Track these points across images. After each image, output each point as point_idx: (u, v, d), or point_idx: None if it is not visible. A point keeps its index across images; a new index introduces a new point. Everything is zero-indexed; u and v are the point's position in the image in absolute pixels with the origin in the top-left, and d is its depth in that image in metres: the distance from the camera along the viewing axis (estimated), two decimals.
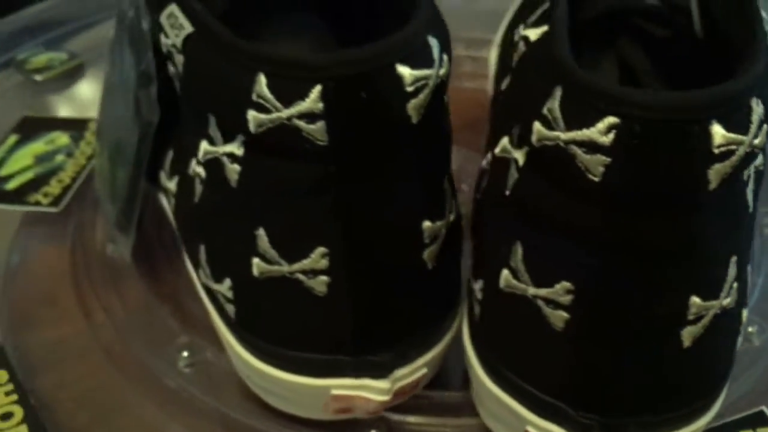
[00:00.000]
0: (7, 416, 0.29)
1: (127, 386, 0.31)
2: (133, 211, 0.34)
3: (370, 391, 0.26)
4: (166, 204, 0.33)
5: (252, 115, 0.23)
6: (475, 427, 0.30)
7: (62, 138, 0.43)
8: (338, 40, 0.32)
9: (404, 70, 0.22)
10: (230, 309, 0.27)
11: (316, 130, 0.22)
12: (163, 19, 0.26)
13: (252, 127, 0.23)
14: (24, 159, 0.41)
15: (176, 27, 0.25)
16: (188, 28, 0.25)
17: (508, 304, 0.25)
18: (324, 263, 0.24)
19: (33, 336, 0.33)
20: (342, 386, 0.26)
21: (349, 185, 0.23)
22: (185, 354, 0.32)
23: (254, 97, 0.23)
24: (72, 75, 0.48)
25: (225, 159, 0.25)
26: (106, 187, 0.36)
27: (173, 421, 0.29)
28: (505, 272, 0.24)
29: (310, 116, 0.22)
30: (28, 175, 0.40)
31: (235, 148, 0.24)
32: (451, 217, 0.26)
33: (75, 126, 0.44)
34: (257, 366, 0.27)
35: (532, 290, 0.24)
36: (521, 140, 0.24)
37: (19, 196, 0.39)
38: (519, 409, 0.26)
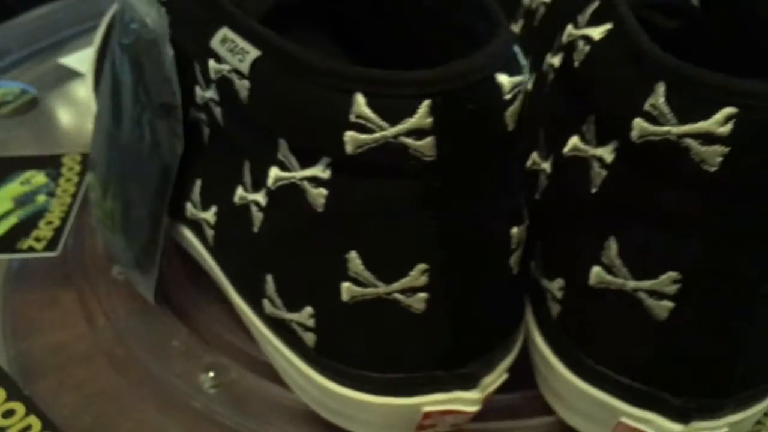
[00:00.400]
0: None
1: (152, 410, 0.30)
2: (156, 248, 0.32)
3: (463, 403, 0.26)
4: (190, 235, 0.32)
5: (350, 136, 0.22)
6: (538, 428, 0.30)
7: (38, 177, 0.40)
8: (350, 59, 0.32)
9: (503, 79, 0.22)
10: (309, 337, 0.26)
11: (425, 145, 0.22)
12: (216, 44, 0.25)
13: (349, 148, 0.22)
14: (2, 203, 0.39)
15: (237, 52, 0.24)
16: (254, 51, 0.24)
17: (600, 300, 0.25)
18: (423, 280, 0.24)
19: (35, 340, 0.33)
20: (435, 402, 0.26)
21: (452, 198, 0.23)
22: (211, 374, 0.31)
23: (352, 118, 0.22)
24: (27, 109, 0.46)
25: (306, 184, 0.24)
26: (116, 227, 0.34)
27: None
28: (597, 269, 0.25)
29: (418, 132, 0.22)
30: (12, 220, 0.38)
31: (319, 171, 0.24)
32: (527, 221, 0.26)
33: (49, 163, 0.41)
34: (340, 392, 0.26)
35: (632, 284, 0.24)
36: (604, 137, 0.24)
37: (9, 243, 0.37)
38: (612, 401, 0.26)
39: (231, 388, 0.31)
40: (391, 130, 0.22)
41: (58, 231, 0.37)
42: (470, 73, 0.21)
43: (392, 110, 0.22)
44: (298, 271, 0.26)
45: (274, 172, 0.25)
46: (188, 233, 0.32)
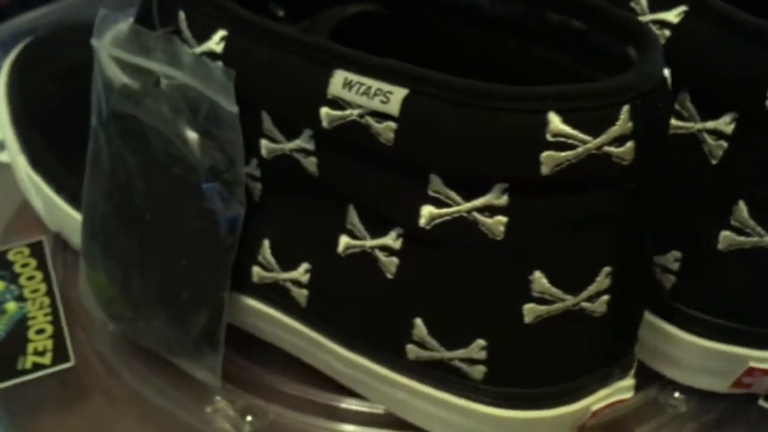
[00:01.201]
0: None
1: None
2: (220, 325, 0.29)
3: (622, 392, 0.27)
4: (258, 304, 0.29)
5: (547, 156, 0.22)
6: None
7: None
8: None
9: (667, 73, 0.23)
10: (478, 370, 0.25)
11: (625, 151, 0.22)
12: (336, 90, 0.23)
13: (545, 169, 0.22)
14: None
15: (376, 93, 0.23)
16: (400, 90, 0.22)
17: (728, 261, 0.27)
18: (607, 282, 0.24)
19: None
20: (601, 398, 0.26)
21: (637, 197, 0.23)
22: (249, 419, 0.30)
23: (549, 138, 0.21)
24: None
25: (477, 215, 0.23)
26: (152, 318, 0.30)
27: None
28: (726, 233, 0.26)
29: (620, 139, 0.22)
30: None
31: (494, 199, 0.23)
32: None
33: None
34: (513, 416, 0.26)
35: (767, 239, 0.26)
36: (713, 111, 0.25)
37: (5, 367, 0.31)
38: (742, 351, 0.28)
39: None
40: (595, 142, 0.22)
41: (58, 338, 0.32)
42: (655, 72, 0.22)
43: (592, 123, 0.21)
44: (464, 307, 0.25)
45: (427, 210, 0.24)
46: (253, 302, 0.29)
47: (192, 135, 0.28)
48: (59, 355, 0.31)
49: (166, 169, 0.28)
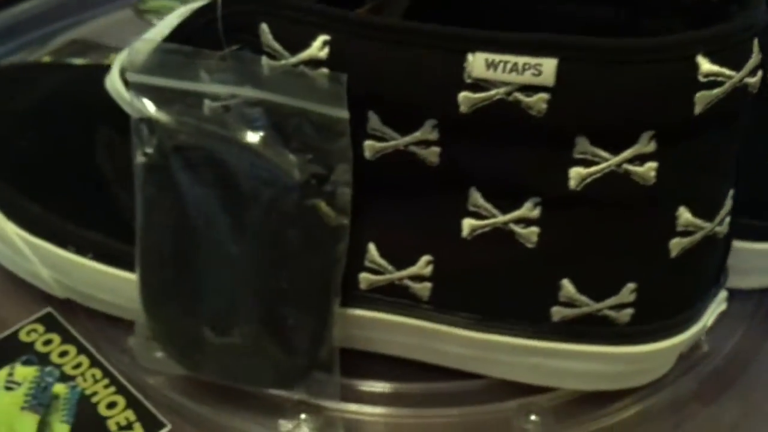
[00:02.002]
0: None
1: None
2: (332, 341, 0.28)
3: (721, 303, 0.29)
4: (365, 312, 0.28)
5: (700, 96, 0.23)
6: None
7: (18, 372, 0.30)
8: None
9: None
10: (626, 314, 0.27)
11: (757, 81, 0.24)
12: (480, 72, 0.23)
13: (698, 109, 0.23)
14: (18, 425, 0.28)
15: (525, 68, 0.23)
16: (551, 61, 0.23)
17: None
18: (730, 202, 0.26)
19: None
20: (711, 313, 0.29)
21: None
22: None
23: (701, 79, 0.23)
24: None
25: (629, 166, 0.24)
26: (258, 346, 0.28)
27: None
28: None
29: (754, 70, 0.24)
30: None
31: (643, 147, 0.24)
32: None
33: (9, 352, 0.31)
34: (657, 348, 0.28)
35: None
36: None
37: None
38: None
39: None
40: (738, 75, 0.23)
41: (136, 405, 0.29)
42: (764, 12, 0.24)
43: (735, 58, 0.23)
44: (613, 257, 0.26)
45: (576, 172, 0.24)
46: (362, 312, 0.28)
47: (284, 153, 0.26)
48: (150, 423, 0.28)
49: (255, 195, 0.26)
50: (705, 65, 0.23)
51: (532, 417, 0.29)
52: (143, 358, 0.30)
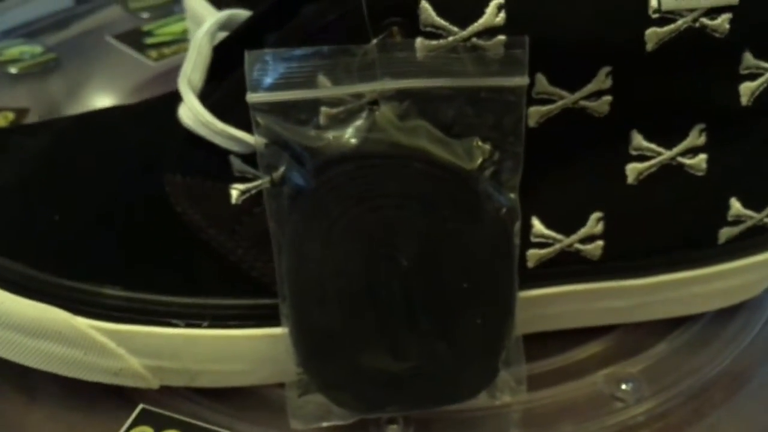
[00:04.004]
0: None
1: None
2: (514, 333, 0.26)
3: None
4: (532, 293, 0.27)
5: None
6: None
7: None
8: None
9: None
10: None
11: None
12: (668, 4, 0.22)
13: None
14: None
15: None
16: None
17: None
18: None
19: None
20: None
21: None
22: None
23: None
24: (47, 69, 0.45)
25: None
26: (439, 360, 0.25)
27: None
28: None
29: None
30: None
31: None
32: None
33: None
34: None
35: None
36: None
37: None
38: None
39: None
40: None
41: None
42: None
43: None
44: None
45: (746, 87, 0.25)
46: (531, 292, 0.27)
47: (448, 143, 0.24)
48: None
49: (421, 197, 0.24)
50: None
51: (623, 386, 0.28)
52: (299, 417, 0.26)
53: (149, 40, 0.48)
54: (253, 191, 0.25)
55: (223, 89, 0.25)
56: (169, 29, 0.49)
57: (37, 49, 0.46)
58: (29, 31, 0.48)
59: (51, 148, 0.29)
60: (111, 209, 0.27)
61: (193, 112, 0.25)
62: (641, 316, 0.29)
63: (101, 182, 0.27)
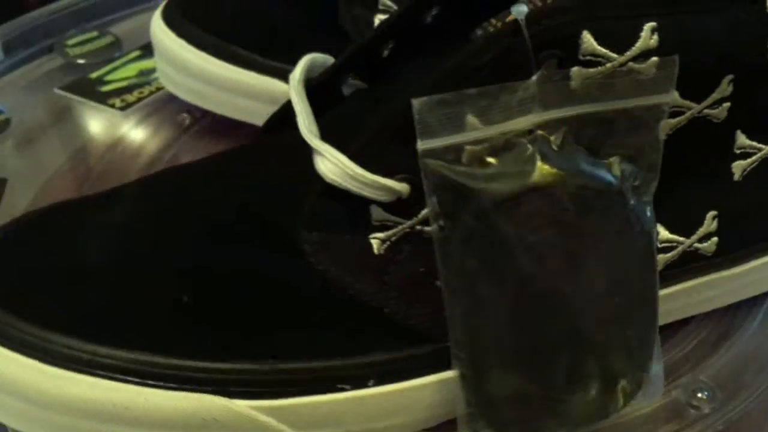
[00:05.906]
0: None
1: None
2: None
3: None
4: None
5: None
6: None
7: None
8: None
9: None
10: None
11: None
12: None
13: None
14: None
15: None
16: None
17: None
18: None
19: None
20: None
21: None
22: None
23: None
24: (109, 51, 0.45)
25: None
26: (591, 379, 0.26)
27: None
28: None
29: None
30: None
31: None
32: None
33: None
34: None
35: None
36: None
37: None
38: None
39: None
40: None
41: None
42: None
43: None
44: None
45: None
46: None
47: (599, 164, 0.24)
48: None
49: (586, 223, 0.24)
50: None
51: (699, 395, 0.28)
52: None
53: (104, 88, 0.44)
54: (393, 239, 0.25)
55: (360, 140, 0.24)
56: (120, 74, 0.46)
57: (94, 33, 0.44)
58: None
59: (135, 221, 0.27)
60: (236, 279, 0.25)
61: (339, 167, 0.24)
62: (731, 299, 0.31)
63: (208, 251, 0.26)
